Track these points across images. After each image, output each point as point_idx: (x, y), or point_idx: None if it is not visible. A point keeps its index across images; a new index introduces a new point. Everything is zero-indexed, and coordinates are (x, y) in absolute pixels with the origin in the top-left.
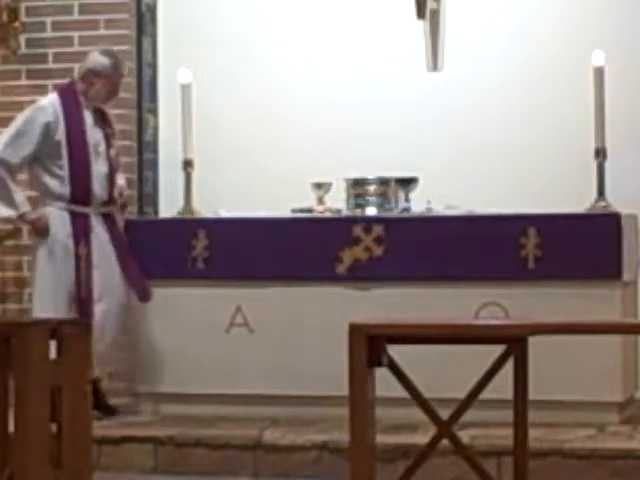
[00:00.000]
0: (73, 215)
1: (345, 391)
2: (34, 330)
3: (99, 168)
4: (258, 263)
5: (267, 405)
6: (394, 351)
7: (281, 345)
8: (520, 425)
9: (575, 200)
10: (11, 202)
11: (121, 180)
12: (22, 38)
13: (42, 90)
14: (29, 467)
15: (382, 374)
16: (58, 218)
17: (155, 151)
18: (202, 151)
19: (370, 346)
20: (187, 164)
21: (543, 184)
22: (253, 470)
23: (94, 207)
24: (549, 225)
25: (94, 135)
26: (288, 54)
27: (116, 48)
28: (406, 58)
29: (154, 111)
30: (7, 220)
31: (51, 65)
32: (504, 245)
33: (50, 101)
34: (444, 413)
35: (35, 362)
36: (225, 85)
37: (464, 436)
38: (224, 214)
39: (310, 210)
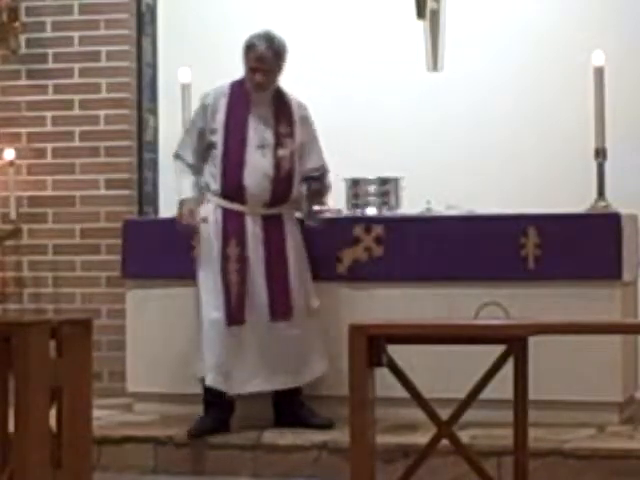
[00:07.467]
0: (226, 213)
1: (345, 391)
2: (34, 330)
3: (259, 165)
4: None
5: (267, 405)
6: (394, 351)
7: None
8: (520, 425)
9: (575, 200)
10: (178, 189)
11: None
12: (22, 38)
13: (42, 90)
14: (29, 467)
15: (382, 374)
16: (212, 215)
17: (155, 151)
18: None
19: (370, 346)
20: None
21: (543, 184)
22: (253, 470)
23: (251, 207)
24: (549, 225)
25: (260, 130)
26: (288, 54)
27: (116, 48)
28: (406, 58)
29: (154, 111)
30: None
31: (51, 65)
32: (504, 245)
33: (218, 86)
34: (444, 413)
35: (35, 362)
36: None
37: (464, 436)
38: None
39: None
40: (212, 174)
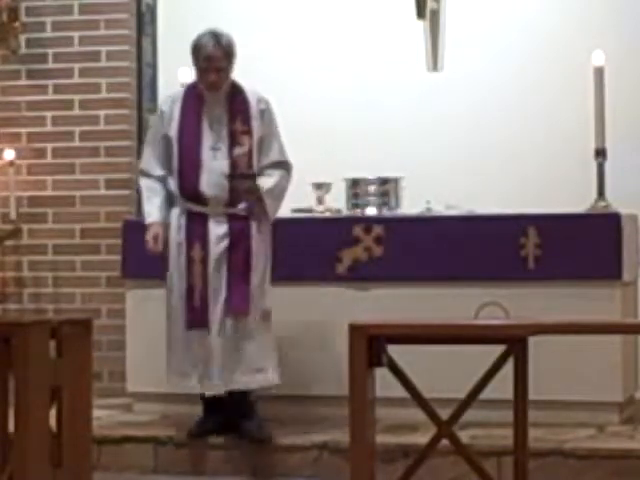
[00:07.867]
0: (190, 216)
1: (345, 391)
2: (34, 330)
3: (215, 166)
4: None
5: (267, 405)
6: (394, 351)
7: (281, 345)
8: (520, 425)
9: (575, 200)
10: (146, 210)
11: (265, 180)
12: (22, 38)
13: (42, 90)
14: (29, 467)
15: (382, 374)
16: (176, 220)
17: None
18: None
19: (370, 346)
20: None
21: (543, 184)
22: (253, 470)
23: (212, 207)
24: (549, 225)
25: (214, 130)
26: (288, 54)
27: (116, 48)
28: (406, 58)
29: (154, 111)
30: None
31: (51, 65)
32: (504, 245)
33: (176, 91)
34: (444, 413)
35: (35, 362)
36: None
37: (464, 436)
38: None
39: (310, 210)
40: (173, 176)
